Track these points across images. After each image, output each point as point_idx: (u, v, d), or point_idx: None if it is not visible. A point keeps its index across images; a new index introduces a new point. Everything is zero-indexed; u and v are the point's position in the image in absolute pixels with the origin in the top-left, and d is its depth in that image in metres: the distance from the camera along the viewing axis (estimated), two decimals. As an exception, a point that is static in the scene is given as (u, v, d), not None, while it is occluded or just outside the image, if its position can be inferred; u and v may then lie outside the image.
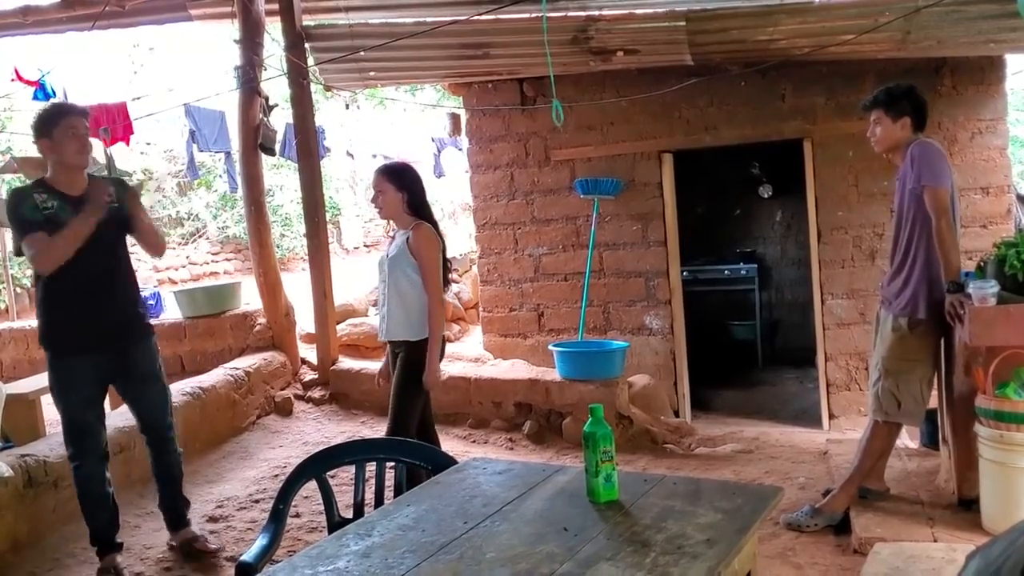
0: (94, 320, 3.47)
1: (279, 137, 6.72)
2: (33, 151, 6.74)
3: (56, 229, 3.33)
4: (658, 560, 1.76)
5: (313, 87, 6.70)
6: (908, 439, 4.88)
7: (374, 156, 10.47)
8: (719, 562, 1.75)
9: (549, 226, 6.93)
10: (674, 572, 1.70)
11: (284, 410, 6.03)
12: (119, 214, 3.55)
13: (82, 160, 3.48)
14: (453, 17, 5.58)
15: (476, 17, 5.50)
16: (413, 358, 3.87)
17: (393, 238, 4.10)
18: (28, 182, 3.81)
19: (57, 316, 3.44)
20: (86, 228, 3.34)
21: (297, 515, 4.16)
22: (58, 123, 3.38)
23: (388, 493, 2.65)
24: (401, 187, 3.89)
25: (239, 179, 6.80)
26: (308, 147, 6.37)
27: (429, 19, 5.78)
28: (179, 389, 5.20)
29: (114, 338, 3.54)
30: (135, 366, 3.62)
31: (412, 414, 3.95)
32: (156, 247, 3.74)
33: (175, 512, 3.84)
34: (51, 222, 3.33)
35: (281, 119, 7.07)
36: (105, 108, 6.46)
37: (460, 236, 11.02)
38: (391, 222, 4.14)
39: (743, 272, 8.49)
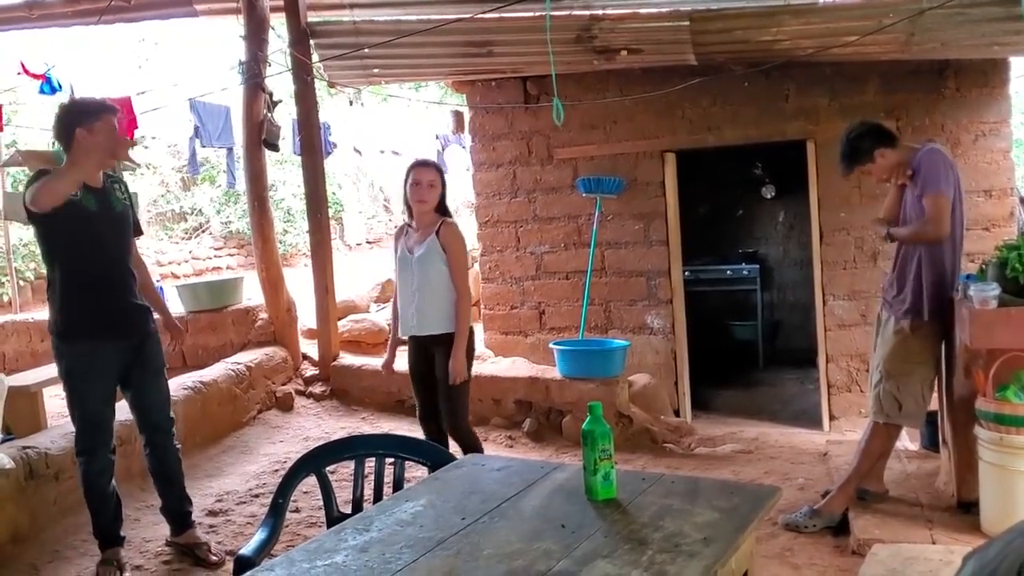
0: (116, 309, 3.51)
1: (284, 133, 6.73)
2: (38, 145, 6.76)
3: (79, 216, 3.36)
4: (655, 558, 1.76)
5: (317, 83, 6.71)
6: (908, 441, 4.88)
7: (381, 152, 10.48)
8: (716, 561, 1.76)
9: (551, 224, 6.93)
10: (671, 570, 1.71)
11: (285, 405, 6.04)
12: (130, 211, 3.63)
13: (111, 162, 3.54)
14: (457, 15, 5.58)
15: (480, 15, 5.50)
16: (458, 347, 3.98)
17: (405, 235, 4.10)
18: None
19: (80, 303, 3.43)
20: (70, 182, 3.29)
21: (297, 510, 4.17)
22: (101, 116, 3.41)
23: (387, 490, 2.65)
24: (443, 185, 4.02)
25: (242, 174, 6.81)
26: (312, 143, 6.39)
27: (433, 17, 5.78)
28: (180, 383, 5.21)
29: (134, 328, 3.59)
30: (150, 359, 3.65)
31: (468, 404, 4.09)
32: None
33: (179, 514, 3.83)
34: (74, 208, 3.34)
35: (288, 115, 7.07)
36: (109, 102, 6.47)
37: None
38: (409, 218, 4.13)
39: (745, 272, 8.48)
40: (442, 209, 4.03)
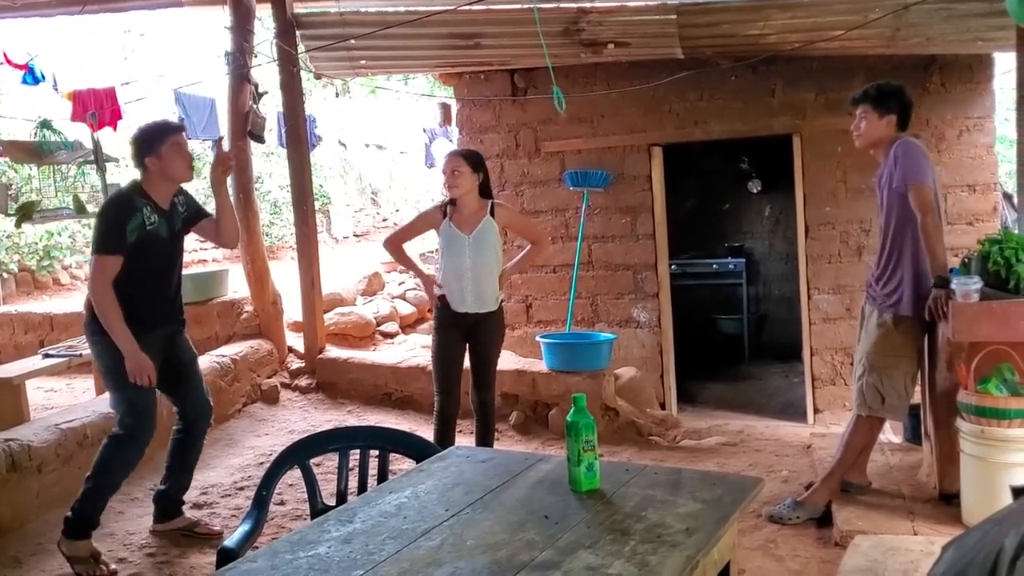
0: (156, 303, 3.60)
1: (270, 125, 6.69)
2: (20, 135, 6.69)
3: (154, 245, 3.48)
4: (637, 548, 1.77)
5: (305, 75, 6.68)
6: (891, 434, 4.91)
7: (367, 145, 10.43)
8: (698, 551, 1.77)
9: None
10: (653, 560, 1.72)
11: (270, 398, 6.02)
12: (185, 212, 3.70)
13: (190, 175, 3.61)
14: (444, 6, 5.56)
15: (467, 7, 5.48)
16: (503, 322, 4.46)
17: (446, 216, 4.31)
18: (128, 185, 3.71)
19: (126, 296, 3.45)
20: (121, 346, 3.41)
21: (282, 503, 4.17)
22: (165, 139, 3.49)
23: (371, 482, 2.65)
24: (476, 169, 4.27)
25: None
26: (298, 135, 6.36)
27: (420, 8, 5.75)
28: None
29: (169, 321, 3.69)
30: (182, 351, 3.78)
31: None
32: (233, 236, 3.87)
33: (178, 500, 3.89)
34: (151, 238, 3.47)
35: (274, 107, 7.03)
36: (93, 93, 6.40)
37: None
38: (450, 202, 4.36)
39: (731, 266, 8.51)
40: (486, 193, 4.34)
